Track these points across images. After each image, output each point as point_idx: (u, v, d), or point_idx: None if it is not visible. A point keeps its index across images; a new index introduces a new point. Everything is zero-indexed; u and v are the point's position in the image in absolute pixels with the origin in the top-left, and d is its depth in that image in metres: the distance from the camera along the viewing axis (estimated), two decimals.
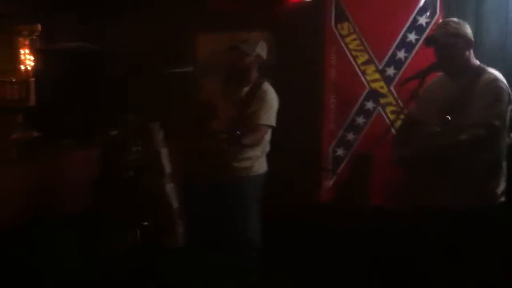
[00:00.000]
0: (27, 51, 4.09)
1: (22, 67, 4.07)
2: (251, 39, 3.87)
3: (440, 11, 4.31)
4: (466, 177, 3.04)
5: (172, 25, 5.00)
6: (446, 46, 3.12)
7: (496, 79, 3.07)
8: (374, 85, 4.52)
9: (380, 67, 4.50)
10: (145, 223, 4.11)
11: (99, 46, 5.02)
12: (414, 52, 4.37)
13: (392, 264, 3.80)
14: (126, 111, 4.30)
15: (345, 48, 4.58)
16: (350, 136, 4.61)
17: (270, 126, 3.70)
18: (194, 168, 3.91)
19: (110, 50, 5.01)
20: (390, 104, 4.48)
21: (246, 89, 3.71)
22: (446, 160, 3.04)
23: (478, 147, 3.00)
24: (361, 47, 4.54)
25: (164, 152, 4.32)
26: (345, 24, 4.58)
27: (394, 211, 3.95)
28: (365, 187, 4.25)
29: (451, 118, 2.95)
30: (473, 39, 3.20)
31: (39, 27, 4.07)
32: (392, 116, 4.42)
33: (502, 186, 3.13)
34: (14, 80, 4.03)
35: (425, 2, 4.34)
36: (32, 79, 4.11)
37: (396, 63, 4.44)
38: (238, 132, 3.32)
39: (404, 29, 4.39)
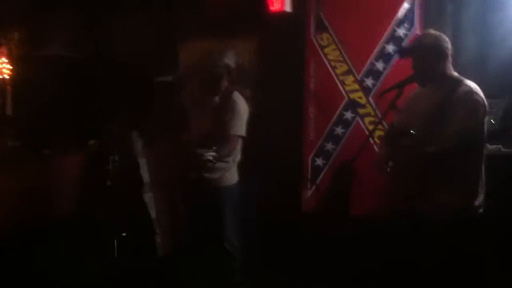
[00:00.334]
0: (4, 59, 4.06)
1: None
2: (220, 49, 3.87)
3: (418, 23, 4.34)
4: (444, 188, 3.06)
5: (154, 34, 4.99)
6: (421, 58, 3.14)
7: (471, 91, 3.08)
8: (353, 95, 4.55)
9: (359, 77, 4.52)
10: (123, 234, 4.10)
11: (77, 54, 5.00)
12: (392, 63, 4.39)
13: (371, 271, 3.81)
14: (106, 121, 4.28)
15: (324, 58, 4.61)
16: (329, 146, 4.61)
17: (241, 136, 3.72)
18: (170, 177, 3.89)
19: (91, 58, 4.99)
20: (369, 114, 4.50)
21: (216, 98, 3.72)
22: (425, 171, 3.05)
23: (454, 158, 3.02)
24: (340, 58, 4.57)
25: (142, 161, 4.31)
26: (325, 35, 4.61)
27: (373, 219, 3.95)
28: (345, 197, 4.26)
29: (431, 129, 2.98)
30: (449, 51, 3.22)
31: (17, 35, 4.04)
32: (370, 127, 4.43)
33: (480, 198, 3.15)
34: None
35: (403, 14, 4.37)
36: (9, 88, 4.08)
37: (375, 74, 4.46)
38: (214, 148, 3.36)
39: (383, 40, 4.41)
